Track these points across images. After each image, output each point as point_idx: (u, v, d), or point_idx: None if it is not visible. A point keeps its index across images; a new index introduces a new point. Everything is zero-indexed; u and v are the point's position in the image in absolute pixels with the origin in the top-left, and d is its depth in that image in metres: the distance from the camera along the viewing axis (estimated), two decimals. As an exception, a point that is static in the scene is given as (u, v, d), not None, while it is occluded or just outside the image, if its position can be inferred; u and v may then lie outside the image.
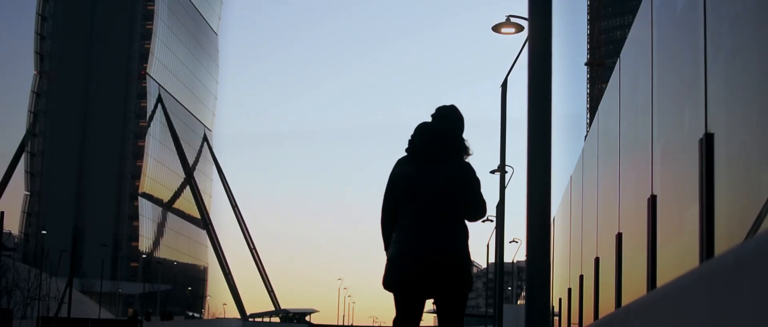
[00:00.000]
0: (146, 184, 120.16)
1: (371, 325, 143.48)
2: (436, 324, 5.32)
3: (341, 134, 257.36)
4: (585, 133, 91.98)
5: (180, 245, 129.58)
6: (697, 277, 1.85)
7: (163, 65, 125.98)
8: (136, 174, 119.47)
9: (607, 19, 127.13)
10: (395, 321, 5.32)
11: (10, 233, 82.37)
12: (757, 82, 3.41)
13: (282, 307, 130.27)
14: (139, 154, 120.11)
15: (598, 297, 8.13)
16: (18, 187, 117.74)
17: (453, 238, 5.19)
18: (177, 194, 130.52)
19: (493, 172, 24.80)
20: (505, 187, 20.76)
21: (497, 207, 21.04)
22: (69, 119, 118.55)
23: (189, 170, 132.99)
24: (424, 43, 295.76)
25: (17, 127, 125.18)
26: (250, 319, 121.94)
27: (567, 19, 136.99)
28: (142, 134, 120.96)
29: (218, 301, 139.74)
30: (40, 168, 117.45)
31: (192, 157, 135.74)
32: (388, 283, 5.26)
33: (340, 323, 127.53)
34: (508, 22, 17.04)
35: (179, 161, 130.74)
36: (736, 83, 3.75)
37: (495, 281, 22.05)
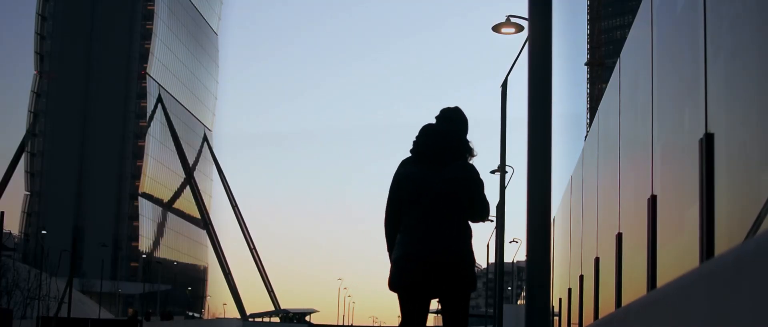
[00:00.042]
0: (146, 184, 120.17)
1: (371, 325, 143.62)
2: (440, 324, 5.34)
3: (341, 134, 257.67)
4: (585, 133, 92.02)
5: (180, 245, 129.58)
6: (697, 277, 1.86)
7: (163, 65, 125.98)
8: (136, 174, 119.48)
9: (607, 19, 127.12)
10: (402, 323, 5.35)
11: (10, 233, 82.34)
12: (757, 82, 3.41)
13: (282, 307, 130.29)
14: (139, 154, 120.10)
15: (598, 297, 8.13)
16: (18, 187, 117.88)
17: (458, 238, 5.23)
18: (177, 194, 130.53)
19: (493, 172, 24.82)
20: (505, 187, 20.77)
21: (497, 207, 21.04)
22: (69, 119, 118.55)
23: (189, 170, 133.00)
24: (424, 43, 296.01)
25: (17, 127, 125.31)
26: (250, 319, 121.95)
27: (567, 19, 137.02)
28: (142, 134, 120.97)
29: (218, 301, 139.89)
30: (40, 168, 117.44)
31: (192, 157, 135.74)
32: (394, 284, 5.29)
33: (340, 323, 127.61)
34: (508, 22, 17.05)
35: (179, 161, 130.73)
36: (736, 83, 3.75)
37: (495, 281, 22.06)
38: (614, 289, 6.67)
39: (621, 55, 7.04)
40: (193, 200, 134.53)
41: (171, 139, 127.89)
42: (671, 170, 4.96)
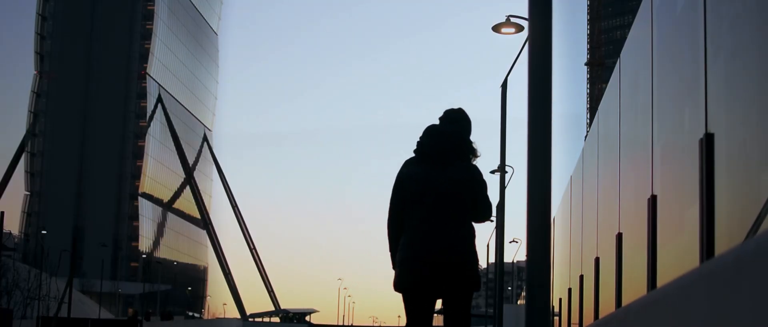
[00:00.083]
0: (146, 184, 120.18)
1: (371, 325, 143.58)
2: (442, 323, 5.37)
3: (341, 134, 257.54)
4: (585, 133, 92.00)
5: (180, 245, 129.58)
6: (697, 277, 1.85)
7: (163, 65, 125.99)
8: (136, 174, 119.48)
9: (607, 19, 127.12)
10: (407, 324, 5.38)
11: (10, 233, 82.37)
12: (757, 82, 3.41)
13: (282, 307, 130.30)
14: (139, 154, 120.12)
15: (598, 297, 8.13)
16: (18, 187, 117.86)
17: (461, 238, 5.26)
18: (177, 194, 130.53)
19: (493, 172, 24.80)
20: (505, 187, 20.78)
21: (497, 207, 21.04)
22: (69, 119, 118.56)
23: (189, 170, 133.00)
24: (424, 43, 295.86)
25: (17, 127, 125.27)
26: (250, 319, 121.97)
27: (567, 19, 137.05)
28: (142, 134, 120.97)
29: (218, 301, 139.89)
30: (40, 168, 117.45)
31: (192, 157, 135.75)
32: (400, 285, 5.32)
33: (340, 323, 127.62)
34: (508, 22, 17.05)
35: (179, 161, 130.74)
36: (736, 83, 3.75)
37: (495, 281, 22.05)
38: (614, 289, 6.67)
39: (621, 55, 7.04)
40: (193, 200, 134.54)
41: (171, 139, 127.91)
42: (671, 170, 4.96)
